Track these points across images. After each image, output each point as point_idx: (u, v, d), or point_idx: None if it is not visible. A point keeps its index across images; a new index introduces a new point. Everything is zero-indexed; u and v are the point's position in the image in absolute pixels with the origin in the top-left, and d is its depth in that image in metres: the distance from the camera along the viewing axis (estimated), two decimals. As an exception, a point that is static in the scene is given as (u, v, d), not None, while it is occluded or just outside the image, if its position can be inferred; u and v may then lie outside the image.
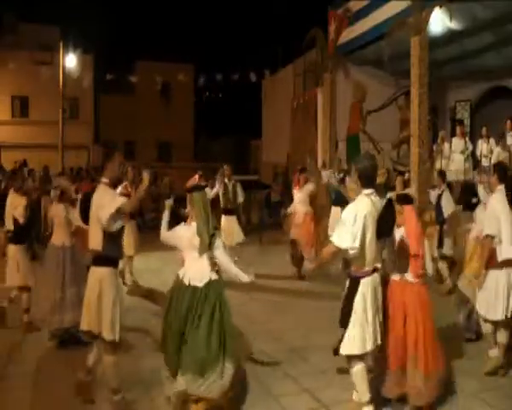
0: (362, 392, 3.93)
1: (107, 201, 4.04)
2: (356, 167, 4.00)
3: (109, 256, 4.10)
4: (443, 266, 7.91)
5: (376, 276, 3.94)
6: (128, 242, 7.31)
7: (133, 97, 30.37)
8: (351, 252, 3.83)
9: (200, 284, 4.01)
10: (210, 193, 9.00)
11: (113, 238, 4.11)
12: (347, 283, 3.99)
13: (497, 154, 10.38)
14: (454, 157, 11.26)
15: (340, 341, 3.88)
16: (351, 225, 3.77)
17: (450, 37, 11.32)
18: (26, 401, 4.38)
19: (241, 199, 9.62)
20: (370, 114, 14.66)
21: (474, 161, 11.51)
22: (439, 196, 8.11)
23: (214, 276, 4.08)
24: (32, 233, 6.30)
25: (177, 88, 29.48)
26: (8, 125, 26.18)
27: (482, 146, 11.28)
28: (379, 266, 3.99)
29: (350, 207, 3.91)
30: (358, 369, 3.90)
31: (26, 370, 5.02)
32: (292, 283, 8.75)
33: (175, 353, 3.94)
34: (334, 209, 9.25)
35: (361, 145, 14.81)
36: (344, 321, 3.87)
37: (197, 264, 4.05)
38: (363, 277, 3.87)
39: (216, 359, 3.87)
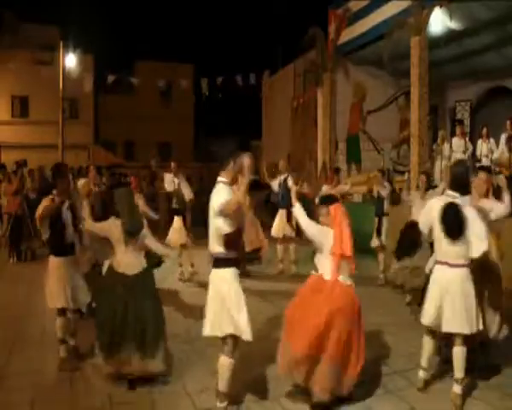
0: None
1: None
2: (450, 170, 4.50)
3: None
4: (381, 257, 8.84)
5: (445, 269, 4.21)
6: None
7: (133, 97, 30.30)
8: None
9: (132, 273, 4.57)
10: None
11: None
12: None
13: (501, 152, 10.35)
14: (455, 157, 11.25)
15: None
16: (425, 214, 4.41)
17: (450, 37, 11.34)
18: (27, 400, 4.38)
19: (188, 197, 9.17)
20: (370, 114, 14.67)
21: (474, 161, 11.51)
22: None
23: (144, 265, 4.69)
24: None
25: (177, 88, 29.45)
26: (8, 125, 26.15)
27: (482, 146, 11.27)
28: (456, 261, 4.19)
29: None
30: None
31: (25, 369, 5.02)
32: (293, 282, 8.73)
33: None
34: (281, 211, 9.77)
35: (361, 145, 14.83)
36: None
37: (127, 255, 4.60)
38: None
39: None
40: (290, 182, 9.91)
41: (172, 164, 9.32)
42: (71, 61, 20.48)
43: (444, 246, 4.22)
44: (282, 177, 9.92)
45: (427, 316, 4.33)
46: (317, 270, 4.22)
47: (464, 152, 11.12)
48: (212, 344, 5.55)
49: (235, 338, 3.96)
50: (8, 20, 26.17)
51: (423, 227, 4.41)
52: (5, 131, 25.34)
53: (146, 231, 4.74)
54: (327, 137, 14.60)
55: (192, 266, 9.34)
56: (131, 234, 4.57)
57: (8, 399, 4.41)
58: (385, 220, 8.80)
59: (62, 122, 18.45)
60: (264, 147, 26.80)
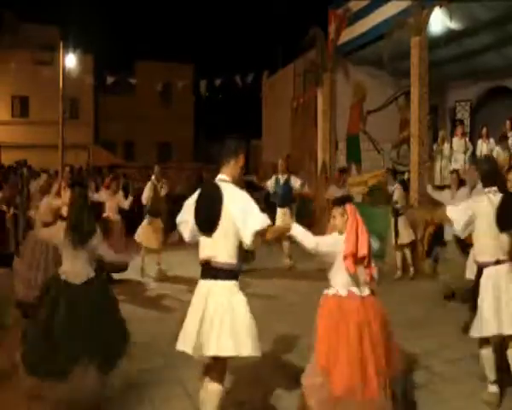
0: (489, 371, 4.20)
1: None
2: (478, 169, 4.54)
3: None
4: (399, 254, 9.14)
5: (500, 267, 4.12)
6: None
7: (133, 97, 30.34)
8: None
9: (77, 282, 4.15)
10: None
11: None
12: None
13: (497, 154, 10.37)
14: (455, 157, 11.26)
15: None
16: (462, 212, 4.28)
17: (450, 37, 11.33)
18: (26, 400, 4.37)
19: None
20: (370, 114, 14.66)
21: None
22: (392, 192, 9.25)
23: (92, 274, 4.22)
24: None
25: (177, 88, 29.55)
26: (8, 125, 26.18)
27: (482, 146, 11.28)
28: (503, 257, 4.15)
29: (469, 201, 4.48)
30: (484, 351, 4.21)
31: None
32: (292, 282, 8.75)
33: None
34: (280, 210, 9.78)
35: (361, 145, 14.82)
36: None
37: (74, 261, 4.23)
38: (485, 266, 4.17)
39: (77, 359, 3.92)
40: (297, 183, 9.94)
41: (156, 167, 9.80)
42: (71, 61, 20.47)
43: (496, 242, 4.14)
44: (281, 176, 9.94)
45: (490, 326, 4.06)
46: (329, 286, 3.77)
47: (464, 152, 11.13)
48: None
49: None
50: (8, 20, 26.19)
51: (461, 227, 4.29)
52: (5, 131, 25.37)
53: (98, 240, 4.30)
54: (327, 137, 14.58)
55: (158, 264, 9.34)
56: (76, 240, 4.18)
57: (8, 399, 4.41)
58: (400, 220, 9.04)
59: (62, 122, 18.44)
60: (264, 147, 26.81)
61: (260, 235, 3.43)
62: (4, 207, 4.81)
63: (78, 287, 4.12)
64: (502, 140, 10.40)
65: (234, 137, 3.76)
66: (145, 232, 9.16)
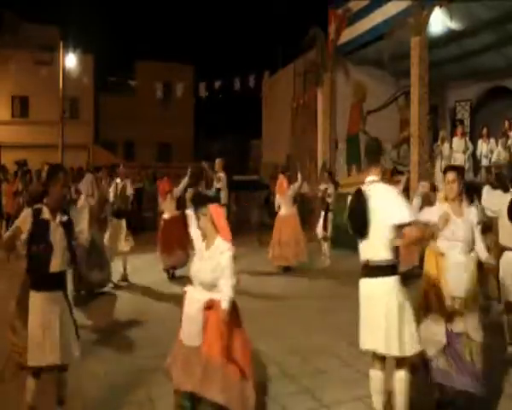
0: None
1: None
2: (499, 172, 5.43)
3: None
4: (326, 245, 10.06)
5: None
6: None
7: (133, 97, 30.29)
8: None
9: None
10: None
11: None
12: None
13: (498, 153, 10.38)
14: (455, 157, 11.27)
15: None
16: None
17: (450, 37, 11.33)
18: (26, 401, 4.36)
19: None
20: (370, 114, 14.66)
21: (474, 161, 11.52)
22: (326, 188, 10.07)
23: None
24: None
25: (177, 88, 29.54)
26: (8, 125, 26.13)
27: (482, 146, 11.29)
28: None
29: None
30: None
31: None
32: (292, 282, 8.75)
33: None
34: None
35: (361, 145, 14.81)
36: None
37: None
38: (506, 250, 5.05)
39: None
40: (220, 184, 9.69)
41: (120, 166, 9.57)
42: (71, 61, 20.50)
43: None
44: (221, 175, 9.87)
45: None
46: None
47: (464, 152, 11.14)
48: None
49: None
50: (8, 20, 26.16)
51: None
52: (5, 131, 25.33)
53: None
54: (327, 137, 14.58)
55: (124, 269, 8.82)
56: None
57: (8, 399, 4.40)
58: (329, 215, 9.92)
59: (62, 122, 18.46)
60: (264, 147, 26.81)
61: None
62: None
63: None
64: (502, 136, 10.40)
65: (373, 138, 4.22)
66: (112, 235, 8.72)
